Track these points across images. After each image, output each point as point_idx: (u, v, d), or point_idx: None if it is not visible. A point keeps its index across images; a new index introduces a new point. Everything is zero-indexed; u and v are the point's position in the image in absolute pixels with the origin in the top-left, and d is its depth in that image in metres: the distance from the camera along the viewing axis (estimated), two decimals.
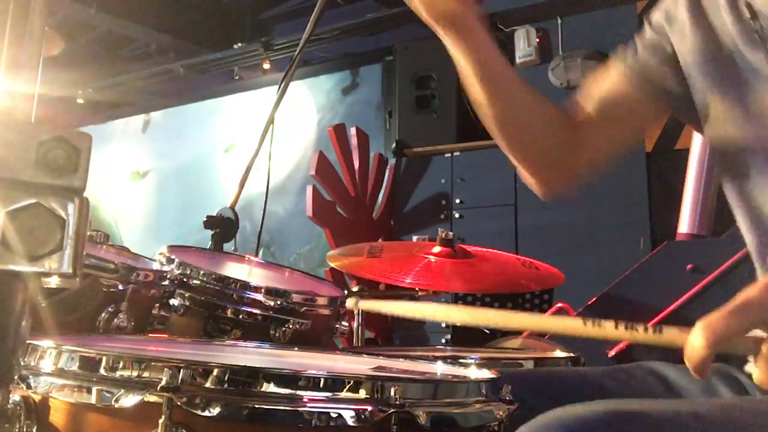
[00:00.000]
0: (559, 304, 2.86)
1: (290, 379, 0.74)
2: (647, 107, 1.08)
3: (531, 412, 0.73)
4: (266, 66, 6.18)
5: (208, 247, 1.83)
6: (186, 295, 1.37)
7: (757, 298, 0.66)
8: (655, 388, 1.00)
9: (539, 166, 1.12)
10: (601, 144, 1.11)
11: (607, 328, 0.70)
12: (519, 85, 1.06)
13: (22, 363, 0.78)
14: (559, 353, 1.62)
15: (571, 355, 1.50)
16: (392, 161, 4.93)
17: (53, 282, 0.47)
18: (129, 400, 0.71)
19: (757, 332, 0.66)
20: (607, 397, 0.86)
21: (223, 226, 1.84)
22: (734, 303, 0.66)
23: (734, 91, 0.95)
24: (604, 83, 1.10)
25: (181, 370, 0.71)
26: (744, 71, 0.94)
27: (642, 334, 0.69)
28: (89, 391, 0.74)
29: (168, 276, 1.35)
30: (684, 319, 2.18)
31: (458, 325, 1.14)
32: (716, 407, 0.79)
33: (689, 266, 2.66)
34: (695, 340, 0.64)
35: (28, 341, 0.78)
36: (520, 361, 1.39)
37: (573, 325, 0.73)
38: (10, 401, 0.76)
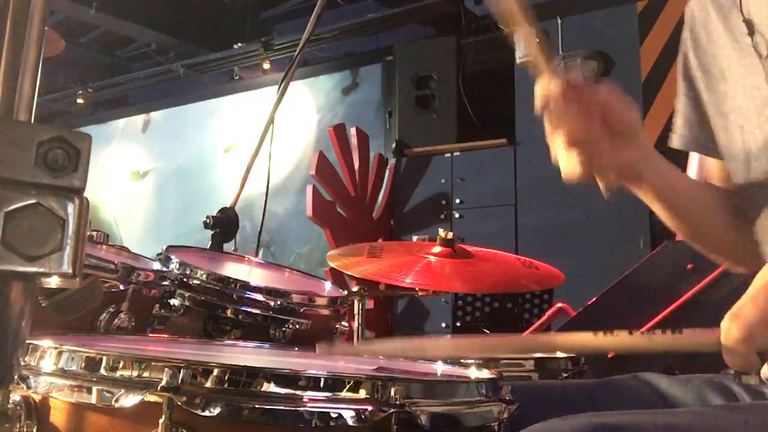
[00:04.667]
0: (559, 304, 2.85)
1: (290, 379, 0.74)
2: None
3: (526, 424, 0.73)
4: (266, 66, 6.18)
5: (208, 247, 1.82)
6: (186, 295, 1.37)
7: None
8: (650, 399, 1.00)
9: (737, 253, 1.07)
10: None
11: (622, 337, 0.65)
12: (695, 196, 1.03)
13: (22, 363, 0.78)
14: (559, 354, 1.62)
15: (572, 355, 1.50)
16: (392, 161, 4.93)
17: (53, 282, 0.47)
18: (129, 399, 0.71)
19: None
20: (602, 409, 0.86)
21: (223, 226, 1.84)
22: (755, 287, 0.63)
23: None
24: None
25: (182, 370, 0.71)
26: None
27: (660, 338, 0.65)
28: (89, 391, 0.74)
29: (168, 276, 1.35)
30: (684, 319, 2.17)
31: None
32: (697, 416, 0.78)
33: (689, 266, 2.65)
34: (729, 334, 0.60)
35: (28, 341, 0.78)
36: (520, 362, 1.39)
37: (583, 338, 0.69)
38: (11, 401, 0.76)
